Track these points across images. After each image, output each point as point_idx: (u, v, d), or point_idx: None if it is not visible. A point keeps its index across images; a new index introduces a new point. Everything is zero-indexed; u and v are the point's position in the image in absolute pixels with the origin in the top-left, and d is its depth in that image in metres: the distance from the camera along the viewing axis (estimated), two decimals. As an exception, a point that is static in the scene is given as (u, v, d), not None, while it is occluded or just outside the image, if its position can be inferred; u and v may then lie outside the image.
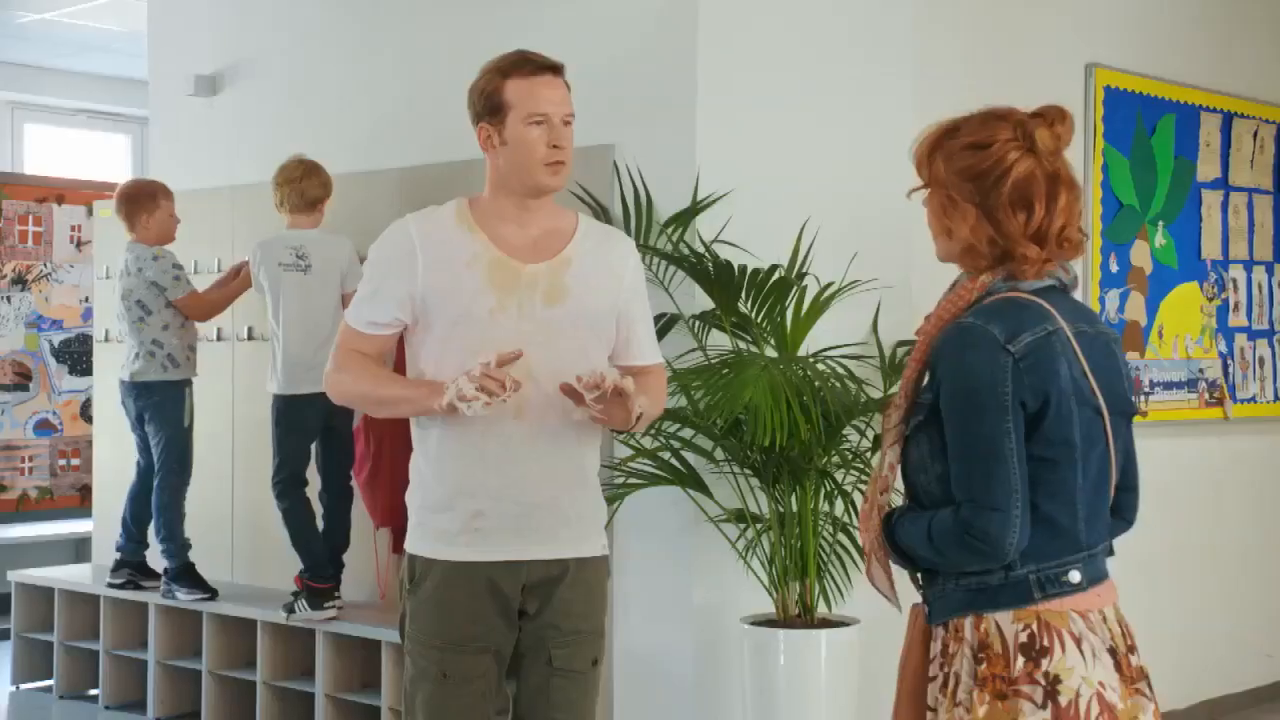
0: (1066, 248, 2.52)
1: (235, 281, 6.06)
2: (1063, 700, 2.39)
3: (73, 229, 7.90)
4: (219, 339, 6.39)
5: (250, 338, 6.23)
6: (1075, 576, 2.45)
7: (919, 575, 2.59)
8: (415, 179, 5.73)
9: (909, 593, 2.66)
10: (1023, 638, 2.42)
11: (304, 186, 5.56)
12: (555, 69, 3.25)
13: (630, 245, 3.33)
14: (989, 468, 2.40)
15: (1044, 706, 2.39)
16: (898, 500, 2.62)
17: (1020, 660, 2.41)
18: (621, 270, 3.24)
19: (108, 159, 9.93)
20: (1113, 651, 2.47)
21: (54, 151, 9.70)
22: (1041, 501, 2.43)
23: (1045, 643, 2.41)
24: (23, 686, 6.72)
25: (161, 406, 6.01)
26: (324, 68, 6.20)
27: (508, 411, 3.04)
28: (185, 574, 6.02)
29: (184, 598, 6.00)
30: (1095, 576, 2.50)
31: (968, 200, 2.50)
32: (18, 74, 9.40)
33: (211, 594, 6.00)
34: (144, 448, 6.12)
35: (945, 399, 2.45)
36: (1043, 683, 2.39)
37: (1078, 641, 2.42)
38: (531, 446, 3.11)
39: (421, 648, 3.17)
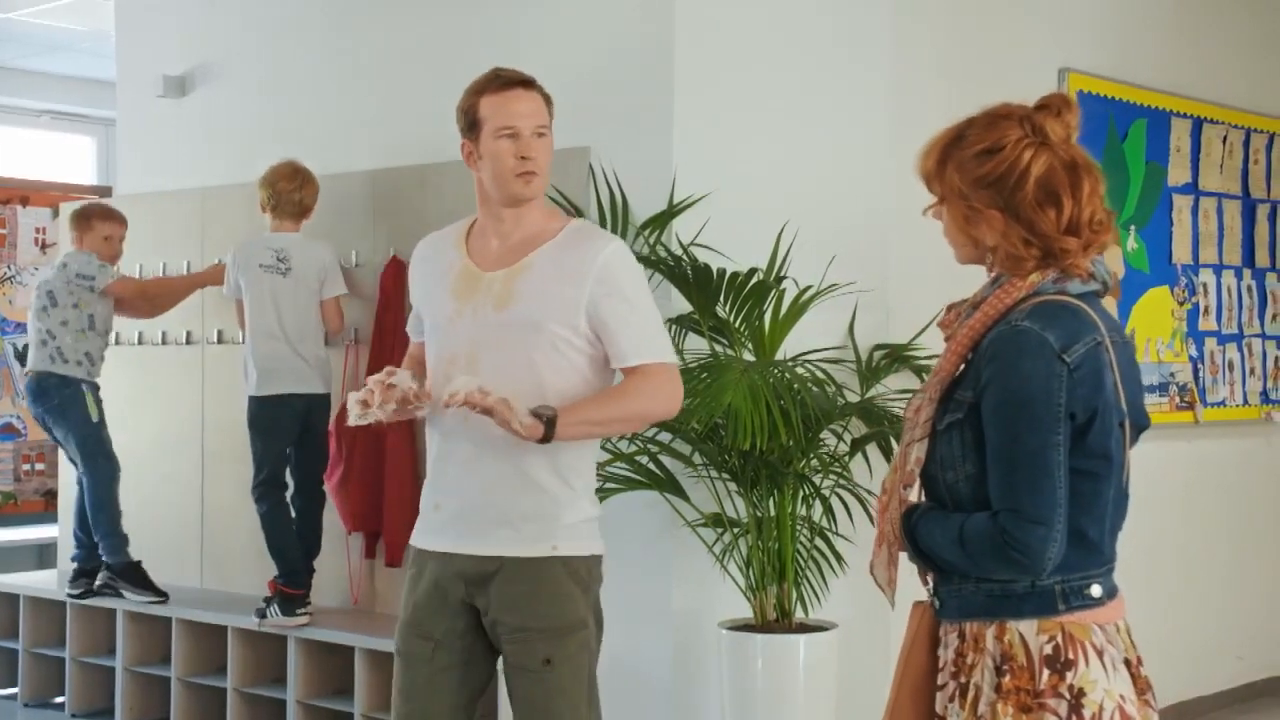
0: (1101, 231, 2.48)
1: (198, 274, 6.04)
2: (1087, 713, 2.37)
3: (37, 231, 7.82)
4: (189, 342, 6.33)
5: (220, 341, 6.18)
6: (1097, 590, 2.43)
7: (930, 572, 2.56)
8: (385, 181, 5.70)
9: (906, 589, 2.64)
10: (1047, 650, 2.39)
11: (301, 195, 5.57)
12: (526, 83, 3.33)
13: (605, 246, 3.27)
14: (1035, 480, 2.36)
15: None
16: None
17: (1045, 673, 2.38)
18: (585, 272, 3.20)
19: (73, 161, 9.84)
20: (1127, 663, 2.46)
21: (18, 153, 9.60)
22: (1075, 515, 2.40)
23: (1070, 655, 2.39)
24: (-13, 694, 6.64)
25: (61, 409, 6.03)
26: (294, 68, 6.15)
27: (461, 416, 3.14)
28: (129, 572, 5.98)
29: (132, 598, 5.95)
30: (1112, 590, 2.48)
31: (990, 206, 2.46)
32: (-20, 74, 9.32)
33: (162, 597, 5.94)
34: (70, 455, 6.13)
35: (993, 403, 2.40)
36: (1068, 696, 2.37)
37: (1100, 654, 2.40)
38: (476, 450, 3.21)
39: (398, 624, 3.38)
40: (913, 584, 2.62)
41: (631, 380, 3.24)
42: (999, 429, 2.39)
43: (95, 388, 6.05)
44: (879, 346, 5.17)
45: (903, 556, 2.56)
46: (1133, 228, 6.49)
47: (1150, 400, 6.38)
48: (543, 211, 3.33)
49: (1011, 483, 2.38)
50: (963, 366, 2.49)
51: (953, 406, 2.47)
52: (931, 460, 2.50)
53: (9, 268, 7.81)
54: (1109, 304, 6.19)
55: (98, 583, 6.09)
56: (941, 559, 2.49)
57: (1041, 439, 2.36)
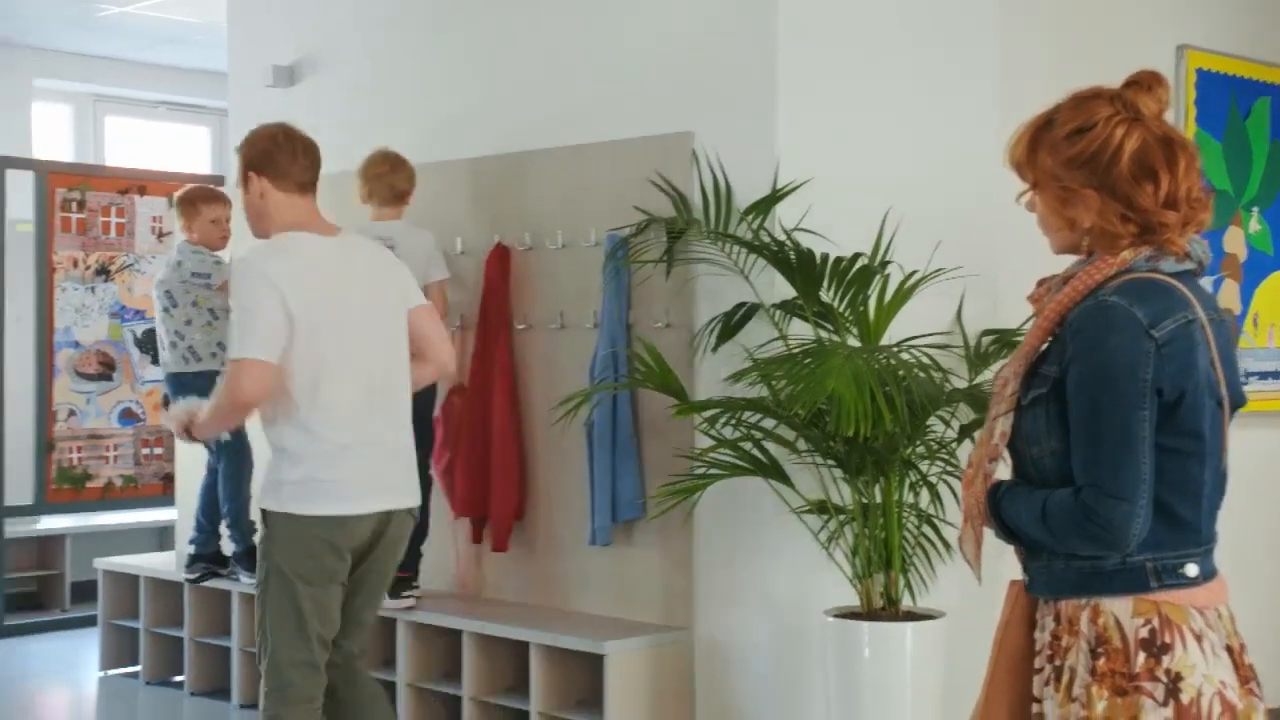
0: (1199, 208, 2.45)
1: None
2: (1185, 698, 2.33)
3: (154, 220, 7.95)
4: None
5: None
6: (1192, 570, 2.40)
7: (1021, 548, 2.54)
8: (488, 168, 5.71)
9: (992, 564, 2.60)
10: (1143, 633, 2.36)
11: (393, 180, 5.57)
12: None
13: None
14: (1119, 456, 2.34)
15: (1165, 704, 2.33)
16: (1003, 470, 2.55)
17: (1141, 656, 2.35)
18: None
19: (188, 151, 10.00)
20: (1229, 650, 2.41)
21: (135, 144, 9.79)
22: (1163, 492, 2.37)
23: (1166, 639, 2.35)
24: (110, 672, 6.78)
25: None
26: (399, 58, 6.19)
27: None
28: (248, 557, 6.08)
29: (246, 580, 6.06)
30: (1210, 571, 2.44)
31: (1085, 186, 2.43)
32: (99, 67, 9.49)
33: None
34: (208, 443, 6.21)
35: (1078, 378, 2.37)
36: (1164, 680, 2.34)
37: (1198, 639, 2.37)
38: None
39: None
40: (1011, 561, 2.59)
41: None
42: (1083, 404, 2.37)
43: None
44: (987, 332, 5.09)
45: (987, 532, 2.54)
46: (1256, 209, 6.31)
47: (1273, 387, 6.23)
48: None
49: (1095, 458, 2.36)
50: (1049, 341, 2.47)
51: (1037, 381, 2.45)
52: (1017, 435, 2.48)
53: (128, 256, 7.96)
54: (1230, 288, 6.09)
55: (228, 571, 6.21)
56: (1026, 535, 2.47)
57: (1126, 414, 2.33)
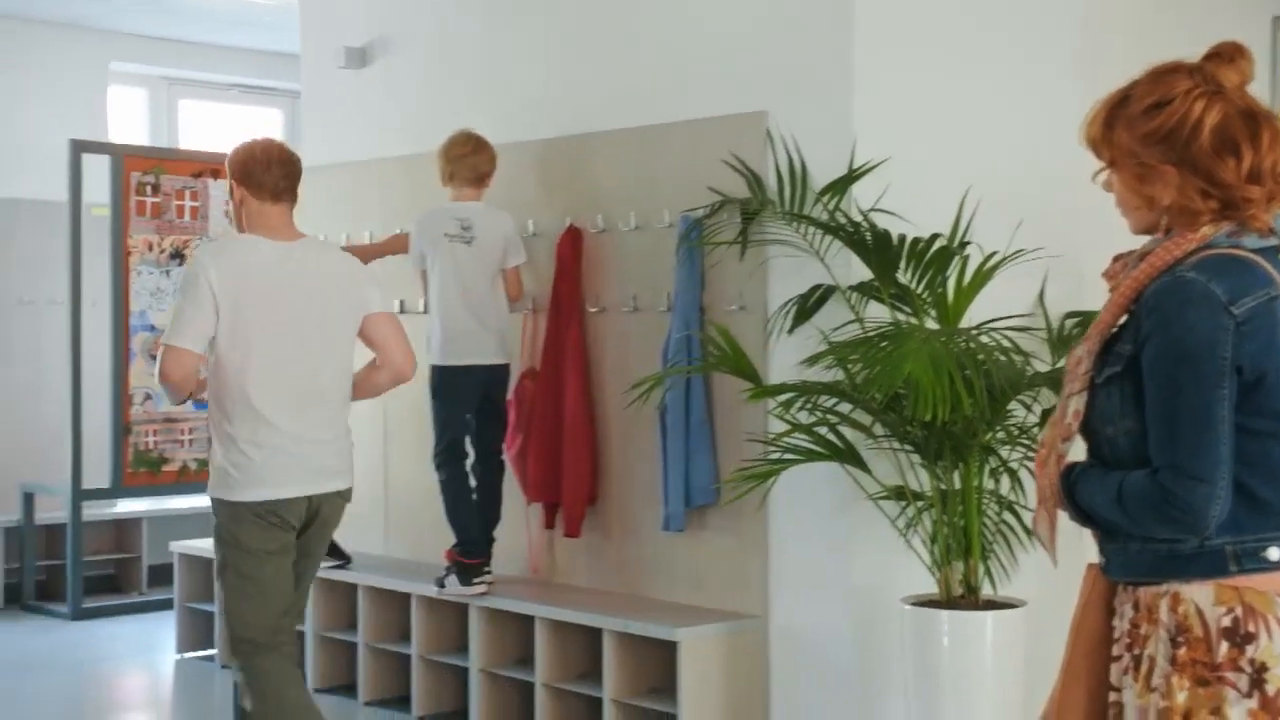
0: None
1: (379, 244, 6.07)
2: (1270, 689, 2.25)
3: (226, 203, 7.94)
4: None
5: (402, 311, 6.19)
6: (1274, 554, 2.31)
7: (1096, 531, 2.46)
8: (560, 150, 5.66)
9: (1073, 549, 2.52)
10: (1225, 622, 2.28)
11: (475, 161, 5.56)
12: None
13: None
14: (1197, 436, 2.26)
15: (1249, 695, 2.25)
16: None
17: (1224, 645, 2.28)
18: None
19: (262, 133, 10.01)
20: None
21: (209, 126, 9.82)
22: (1243, 473, 2.29)
23: (1250, 628, 2.27)
24: (187, 655, 6.82)
25: None
26: (471, 39, 6.15)
27: None
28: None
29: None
30: None
31: (1164, 162, 2.35)
32: (174, 50, 9.52)
33: (345, 560, 6.06)
34: None
35: (1154, 355, 2.30)
36: (1248, 670, 2.26)
37: None
38: None
39: None
40: (1092, 544, 2.51)
41: None
42: (1159, 382, 2.30)
43: None
44: (1071, 314, 4.98)
45: (1063, 516, 2.47)
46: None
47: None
48: None
49: (1172, 438, 2.28)
50: (1124, 318, 2.40)
51: (1111, 359, 2.38)
52: (1091, 414, 2.41)
53: (202, 239, 7.98)
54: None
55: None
56: (1101, 518, 2.40)
57: (1205, 393, 2.26)
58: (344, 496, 4.40)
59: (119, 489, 7.82)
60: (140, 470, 7.80)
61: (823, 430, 4.66)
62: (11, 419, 8.38)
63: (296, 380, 4.25)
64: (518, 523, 5.69)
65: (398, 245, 5.91)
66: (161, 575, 7.88)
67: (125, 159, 7.74)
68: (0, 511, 8.17)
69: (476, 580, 5.51)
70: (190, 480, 7.95)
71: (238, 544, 4.21)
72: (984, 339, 4.49)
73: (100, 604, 7.97)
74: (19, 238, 8.49)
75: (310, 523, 4.32)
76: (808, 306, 4.78)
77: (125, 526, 8.45)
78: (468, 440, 5.62)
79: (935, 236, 4.53)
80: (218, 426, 4.24)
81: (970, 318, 4.68)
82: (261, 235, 4.31)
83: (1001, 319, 4.67)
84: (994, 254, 4.67)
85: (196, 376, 4.28)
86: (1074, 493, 2.43)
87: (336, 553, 6.11)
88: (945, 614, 4.45)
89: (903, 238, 4.52)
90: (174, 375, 4.19)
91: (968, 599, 4.51)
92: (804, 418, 4.67)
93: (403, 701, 5.87)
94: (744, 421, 5.00)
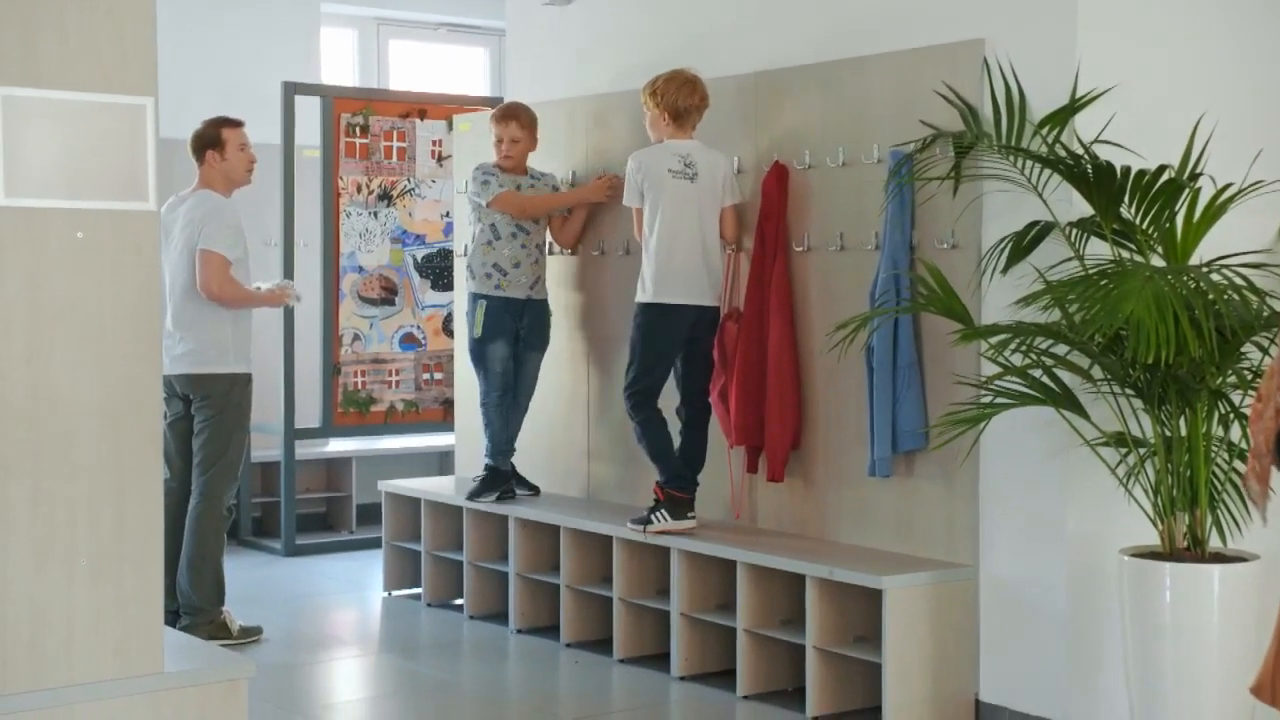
0: None
1: (576, 191, 6.19)
2: None
3: (434, 144, 8.01)
4: (572, 253, 6.35)
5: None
6: None
7: None
8: (767, 84, 5.52)
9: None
10: None
11: (692, 99, 5.52)
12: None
13: None
14: None
15: None
16: None
17: None
18: None
19: (467, 72, 10.06)
20: None
21: (416, 67, 9.88)
22: None
23: None
24: (394, 593, 6.91)
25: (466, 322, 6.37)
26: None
27: None
28: (493, 476, 6.29)
29: (484, 500, 6.27)
30: None
31: None
32: (383, -9, 9.62)
33: (533, 490, 6.28)
34: None
35: None
36: None
37: None
38: None
39: None
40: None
41: None
42: None
43: (497, 302, 6.13)
44: (1311, 250, 4.68)
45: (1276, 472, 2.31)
46: None
47: None
48: None
49: None
50: None
51: None
52: None
53: (408, 181, 8.04)
54: None
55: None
56: None
57: None
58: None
59: (329, 428, 7.97)
60: (349, 410, 7.93)
61: (1037, 373, 4.47)
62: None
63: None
64: (720, 467, 5.60)
65: (593, 193, 6.11)
66: (370, 514, 8.00)
67: (335, 101, 7.83)
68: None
69: (690, 514, 5.46)
70: (398, 421, 8.05)
71: None
72: (1215, 277, 4.23)
73: (312, 541, 8.13)
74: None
75: None
76: (1024, 244, 4.57)
77: (336, 466, 8.62)
78: (664, 386, 5.57)
79: (1163, 168, 4.28)
80: None
81: (1200, 255, 4.43)
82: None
83: (1235, 255, 4.41)
84: (1229, 186, 4.40)
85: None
86: None
87: (525, 484, 6.20)
88: (1168, 566, 4.23)
89: (1127, 170, 4.29)
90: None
91: (1193, 552, 4.28)
92: (1017, 360, 4.48)
93: (603, 644, 5.85)
94: (954, 364, 4.83)
